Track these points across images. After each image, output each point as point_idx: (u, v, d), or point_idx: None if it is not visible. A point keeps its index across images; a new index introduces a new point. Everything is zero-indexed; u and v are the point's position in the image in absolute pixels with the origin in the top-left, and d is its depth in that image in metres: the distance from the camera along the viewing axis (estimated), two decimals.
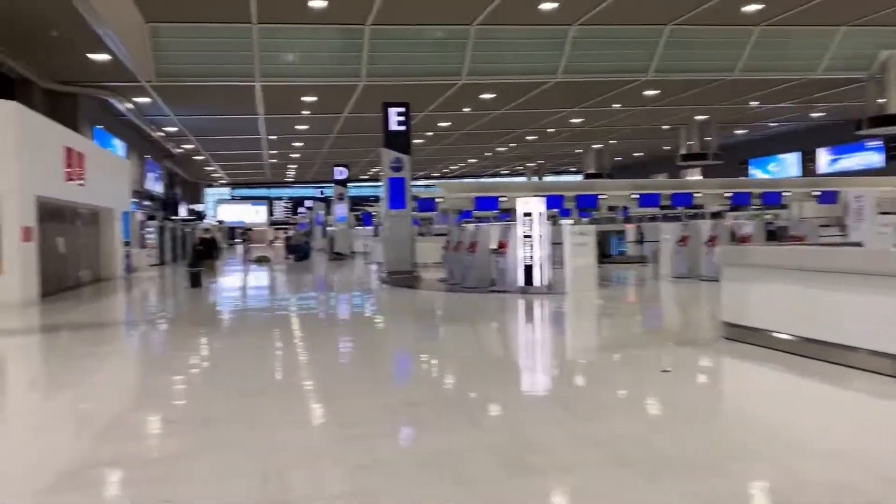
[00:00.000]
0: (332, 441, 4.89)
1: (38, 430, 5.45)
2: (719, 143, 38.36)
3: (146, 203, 30.24)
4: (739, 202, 25.48)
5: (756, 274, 7.79)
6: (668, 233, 17.79)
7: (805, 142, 41.12)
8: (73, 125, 24.62)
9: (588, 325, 10.71)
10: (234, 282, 21.82)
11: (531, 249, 14.18)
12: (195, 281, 17.56)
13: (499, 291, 14.69)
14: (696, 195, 24.81)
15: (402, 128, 18.08)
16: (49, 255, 16.57)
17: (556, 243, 15.15)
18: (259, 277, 23.52)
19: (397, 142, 18.06)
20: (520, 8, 21.43)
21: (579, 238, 14.49)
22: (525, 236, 14.21)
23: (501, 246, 14.80)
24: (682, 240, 17.08)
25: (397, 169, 17.90)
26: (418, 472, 4.16)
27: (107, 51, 20.72)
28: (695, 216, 30.81)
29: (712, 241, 16.33)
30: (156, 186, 37.62)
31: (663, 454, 4.43)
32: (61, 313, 13.19)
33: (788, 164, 42.59)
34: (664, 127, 38.66)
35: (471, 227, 16.95)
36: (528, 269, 14.25)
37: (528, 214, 14.20)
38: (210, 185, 66.04)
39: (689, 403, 5.82)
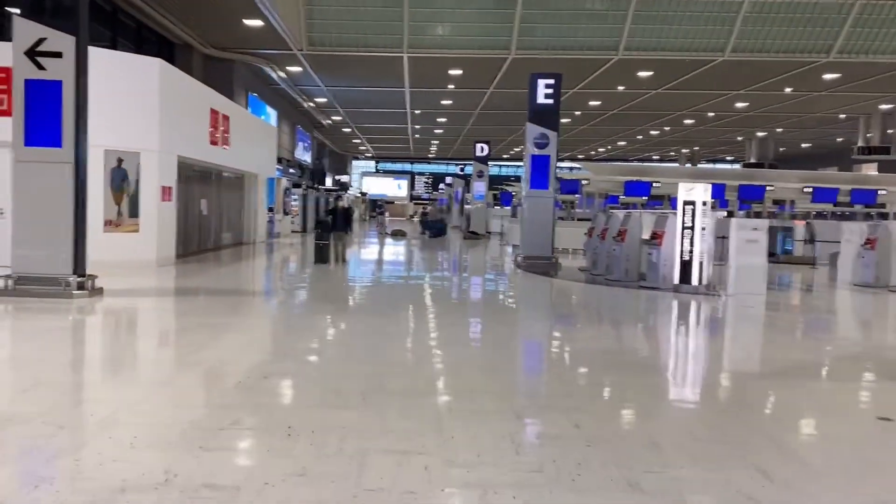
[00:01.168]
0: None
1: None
2: None
3: (291, 171, 30.54)
4: None
5: None
6: (851, 233, 15.14)
7: None
8: (228, 91, 25.00)
9: (761, 340, 8.68)
10: (365, 256, 21.29)
11: (691, 243, 12.27)
12: (321, 255, 15.60)
13: (649, 288, 12.89)
14: (880, 192, 21.43)
15: (551, 101, 16.47)
16: (191, 217, 16.52)
17: (719, 237, 13.14)
18: (391, 253, 22.83)
19: (544, 116, 16.48)
20: None
21: (750, 233, 12.40)
22: (685, 227, 12.31)
23: (656, 236, 12.97)
24: (869, 242, 14.44)
25: (542, 146, 16.35)
26: None
27: (261, 16, 20.55)
28: (870, 216, 27.13)
29: None
30: (304, 156, 38.20)
31: None
32: (188, 277, 12.87)
33: None
34: (841, 116, 34.48)
35: (620, 213, 15.17)
36: (686, 265, 12.37)
37: (689, 203, 12.29)
38: (356, 158, 67.23)
39: None
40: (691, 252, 12.27)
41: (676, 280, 12.53)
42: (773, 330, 9.57)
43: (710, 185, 12.36)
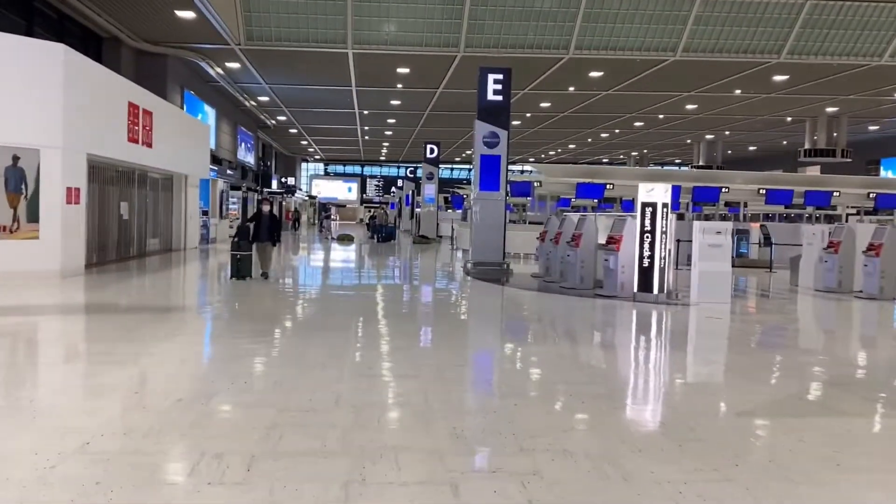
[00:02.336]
0: None
1: None
2: (847, 139, 33.75)
3: (230, 172, 28.77)
4: (885, 204, 21.39)
5: None
6: (812, 236, 14.34)
7: None
8: (161, 87, 23.25)
9: (741, 360, 7.54)
10: (303, 264, 19.54)
11: (651, 248, 11.22)
12: (239, 269, 12.71)
13: (606, 296, 11.81)
14: (834, 195, 20.90)
15: (500, 98, 15.30)
16: (108, 222, 14.87)
17: (678, 241, 12.18)
18: (332, 260, 21.34)
19: (494, 113, 15.30)
20: None
21: (713, 237, 11.41)
22: (645, 231, 11.25)
23: (613, 241, 11.90)
24: (832, 245, 13.64)
25: (492, 145, 15.18)
26: None
27: (192, 7, 18.95)
28: (819, 219, 26.82)
29: (875, 249, 12.88)
30: (247, 157, 36.38)
31: None
32: (92, 291, 11.16)
33: None
34: (787, 119, 34.33)
35: (574, 216, 14.08)
36: (646, 272, 11.31)
37: (649, 205, 11.24)
38: (305, 160, 65.29)
39: None
40: (651, 258, 11.21)
41: (636, 288, 11.47)
42: (747, 347, 8.46)
43: (669, 186, 11.32)
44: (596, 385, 6.05)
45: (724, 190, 20.00)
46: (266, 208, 13.66)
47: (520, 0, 20.77)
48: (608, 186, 19.80)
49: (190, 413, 4.76)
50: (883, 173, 38.87)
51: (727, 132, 38.68)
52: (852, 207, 22.75)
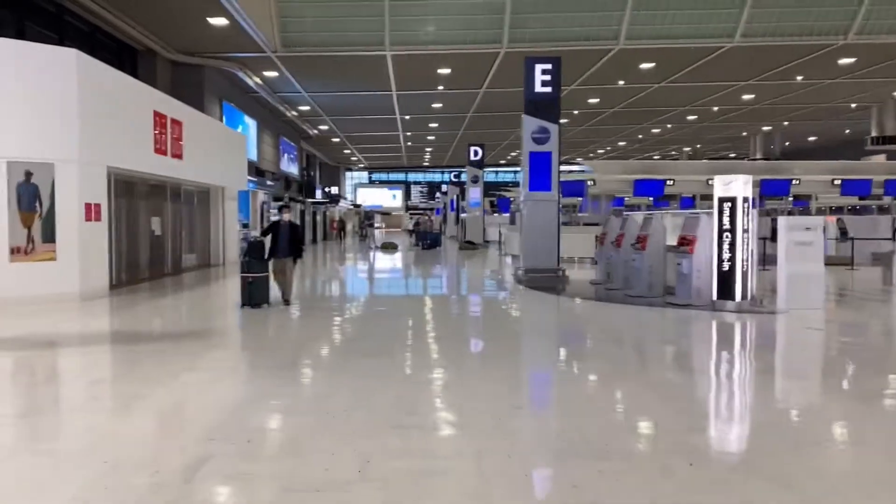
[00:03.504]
0: None
1: None
2: None
3: (269, 183, 27.88)
4: None
5: None
6: None
7: None
8: (199, 100, 22.50)
9: (871, 384, 5.93)
10: (343, 276, 18.17)
11: (731, 248, 9.65)
12: (252, 295, 10.43)
13: (680, 305, 10.25)
14: None
15: (549, 89, 13.88)
16: (138, 239, 13.94)
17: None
18: (375, 270, 20.10)
19: (543, 107, 13.88)
20: None
21: (801, 234, 9.77)
22: (724, 231, 9.68)
23: (685, 242, 10.35)
24: None
25: (542, 140, 13.76)
26: None
27: (225, 14, 18.06)
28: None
29: None
30: (291, 167, 35.61)
31: None
32: (114, 315, 10.06)
33: None
34: (852, 105, 31.89)
35: (638, 215, 12.55)
36: (726, 277, 9.74)
37: (727, 200, 9.67)
38: (349, 169, 64.61)
39: None
40: (732, 260, 9.63)
41: (714, 295, 9.90)
42: (883, 372, 6.81)
43: (750, 178, 9.73)
44: (705, 433, 4.59)
45: (794, 182, 18.13)
46: (286, 217, 11.10)
47: None
48: (668, 182, 18.13)
49: (164, 495, 3.49)
50: None
51: (786, 122, 36.30)
52: None
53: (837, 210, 28.95)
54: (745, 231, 9.57)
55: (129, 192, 13.67)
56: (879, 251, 18.24)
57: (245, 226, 22.13)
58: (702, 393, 5.93)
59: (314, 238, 34.14)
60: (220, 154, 18.18)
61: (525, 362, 7.50)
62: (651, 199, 21.37)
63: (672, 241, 10.89)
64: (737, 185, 9.56)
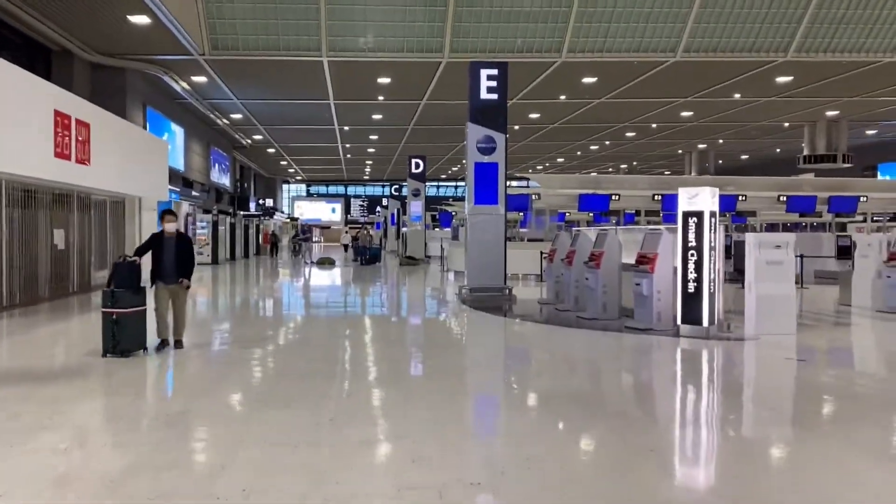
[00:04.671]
0: None
1: None
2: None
3: (195, 194, 25.94)
4: None
5: None
6: (866, 247, 11.90)
7: None
8: (120, 104, 20.70)
9: (874, 439, 4.95)
10: (262, 297, 16.16)
11: (698, 269, 8.69)
12: (117, 337, 7.51)
13: (640, 330, 9.24)
14: (861, 200, 18.54)
15: (495, 96, 12.83)
16: (37, 253, 12.17)
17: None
18: (303, 289, 18.53)
19: (489, 115, 12.81)
20: None
21: (771, 252, 8.91)
22: (689, 248, 8.72)
23: (645, 260, 9.36)
24: (895, 257, 11.21)
25: (487, 151, 12.68)
26: None
27: (146, 11, 16.43)
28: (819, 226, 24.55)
29: None
30: (222, 179, 33.68)
31: None
32: None
33: None
34: (785, 124, 32.18)
35: (590, 231, 11.55)
36: (692, 299, 8.77)
37: (693, 214, 8.73)
38: (287, 182, 62.48)
39: None
40: (699, 280, 8.67)
41: (679, 319, 8.93)
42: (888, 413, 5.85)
43: (716, 191, 8.82)
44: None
45: (740, 198, 17.61)
46: (170, 227, 8.20)
47: (507, 0, 18.44)
48: (614, 197, 17.33)
49: None
50: (882, 179, 36.82)
51: (720, 141, 36.53)
52: (877, 214, 20.44)
53: (771, 227, 28.97)
54: (713, 249, 8.63)
55: (25, 201, 11.91)
56: (823, 269, 17.93)
57: None
58: (671, 449, 4.82)
59: (245, 253, 32.18)
60: (137, 161, 16.43)
61: (474, 409, 6.25)
62: (592, 214, 20.56)
63: (631, 258, 9.89)
64: (703, 198, 8.64)
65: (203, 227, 24.62)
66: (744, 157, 42.84)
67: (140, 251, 8.27)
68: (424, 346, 9.36)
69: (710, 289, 8.67)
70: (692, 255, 8.68)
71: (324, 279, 21.81)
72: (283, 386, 6.53)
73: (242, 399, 6.10)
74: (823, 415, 5.79)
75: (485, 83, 12.88)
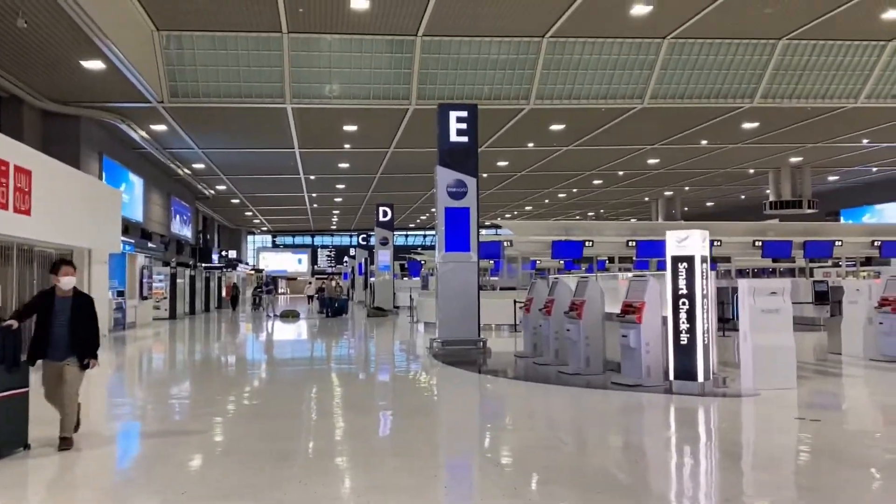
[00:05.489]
0: None
1: None
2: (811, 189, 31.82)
3: (151, 245, 24.72)
4: (891, 253, 18.86)
5: None
6: (856, 292, 11.34)
7: None
8: (74, 153, 19.70)
9: None
10: (208, 356, 14.76)
11: (691, 319, 7.95)
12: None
13: (628, 386, 8.42)
14: (836, 244, 18.23)
15: (466, 139, 12.21)
16: None
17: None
18: (261, 347, 17.22)
19: (459, 158, 12.18)
20: (603, 15, 15.92)
21: (767, 300, 8.22)
22: (680, 296, 8.00)
23: (631, 310, 8.60)
24: (887, 302, 10.64)
25: (458, 195, 11.99)
26: None
27: (101, 56, 15.66)
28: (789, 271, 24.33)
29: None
30: (184, 230, 32.47)
31: None
32: None
33: (888, 215, 35.53)
34: (750, 171, 32.34)
35: (569, 280, 10.80)
36: (685, 352, 8.00)
37: (683, 260, 8.03)
38: (252, 233, 61.21)
39: None
40: (691, 332, 7.92)
41: (671, 374, 8.13)
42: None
43: (706, 234, 8.16)
44: None
45: (715, 244, 17.14)
46: (65, 284, 6.19)
47: (475, 47, 18.08)
48: (587, 244, 16.73)
49: None
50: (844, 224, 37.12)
51: (686, 188, 36.62)
52: (850, 258, 20.15)
53: (741, 273, 28.70)
54: (705, 297, 7.91)
55: None
56: (801, 315, 17.44)
57: (121, 294, 19.08)
58: None
59: (206, 307, 30.81)
60: (86, 211, 15.37)
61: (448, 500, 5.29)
62: (561, 262, 19.94)
63: (616, 308, 9.13)
64: (693, 242, 7.96)
65: (161, 281, 23.40)
66: (709, 203, 43.08)
67: (20, 314, 6.23)
68: (390, 416, 8.02)
69: (704, 340, 7.92)
70: (683, 303, 7.95)
71: (285, 334, 20.61)
72: (221, 471, 5.49)
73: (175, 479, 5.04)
74: (867, 488, 4.95)
75: (454, 125, 12.28)
